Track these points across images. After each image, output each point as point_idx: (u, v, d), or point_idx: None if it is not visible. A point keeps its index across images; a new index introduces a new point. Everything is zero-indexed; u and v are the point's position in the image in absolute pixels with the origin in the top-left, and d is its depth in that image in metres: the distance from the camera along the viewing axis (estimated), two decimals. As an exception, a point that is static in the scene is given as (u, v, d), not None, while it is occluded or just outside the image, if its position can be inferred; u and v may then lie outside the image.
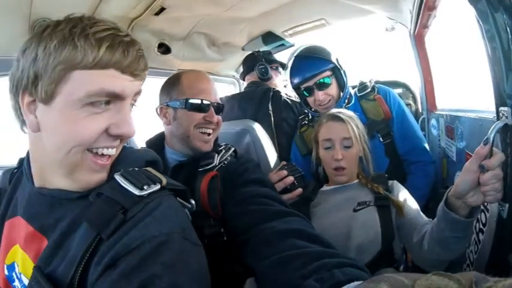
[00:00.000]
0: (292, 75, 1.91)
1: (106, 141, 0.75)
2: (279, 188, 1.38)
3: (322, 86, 1.85)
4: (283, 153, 2.06)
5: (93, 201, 0.74)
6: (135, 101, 0.82)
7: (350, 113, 1.62)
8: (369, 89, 1.97)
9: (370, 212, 1.43)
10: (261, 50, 2.63)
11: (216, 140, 1.47)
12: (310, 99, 1.92)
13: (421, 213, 1.41)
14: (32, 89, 0.71)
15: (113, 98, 0.73)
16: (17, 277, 0.81)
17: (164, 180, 0.79)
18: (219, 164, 1.31)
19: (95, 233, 0.69)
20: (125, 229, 0.68)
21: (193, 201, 0.88)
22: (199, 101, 1.36)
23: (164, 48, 2.28)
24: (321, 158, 1.60)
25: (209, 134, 1.38)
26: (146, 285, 0.61)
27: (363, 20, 2.37)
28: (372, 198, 1.46)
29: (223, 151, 1.37)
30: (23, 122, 0.79)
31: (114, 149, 0.79)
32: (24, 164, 0.89)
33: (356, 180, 1.58)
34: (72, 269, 0.68)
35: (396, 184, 1.54)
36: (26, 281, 0.78)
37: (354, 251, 1.36)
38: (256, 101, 2.20)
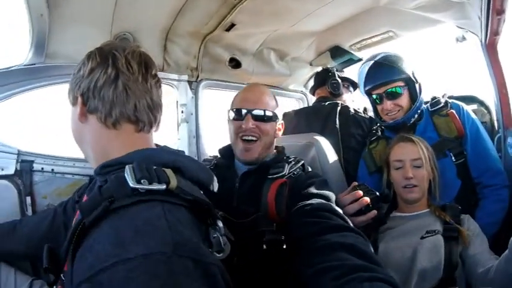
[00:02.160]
0: (365, 80, 1.84)
1: None
2: (353, 210, 1.29)
3: (392, 95, 1.76)
4: (349, 170, 1.98)
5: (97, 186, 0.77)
6: None
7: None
8: (442, 104, 1.83)
9: (437, 240, 1.40)
10: (330, 65, 2.60)
11: (283, 150, 1.51)
12: (379, 107, 1.85)
13: (490, 250, 1.38)
14: None
15: None
16: None
17: (173, 183, 0.70)
18: (288, 173, 1.32)
19: (80, 217, 0.67)
20: (100, 226, 0.64)
21: (221, 224, 0.75)
22: (235, 109, 1.42)
23: (235, 63, 2.36)
24: (391, 178, 1.61)
25: (250, 142, 1.39)
26: None
27: (431, 31, 2.24)
28: (441, 227, 1.44)
29: (293, 162, 1.38)
30: None
31: None
32: None
33: (427, 209, 1.55)
34: (65, 249, 0.68)
35: (469, 219, 1.49)
36: None
37: (417, 276, 1.35)
38: (324, 116, 2.15)
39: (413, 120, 1.79)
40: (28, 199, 1.63)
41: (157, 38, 1.95)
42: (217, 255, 0.69)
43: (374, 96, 1.83)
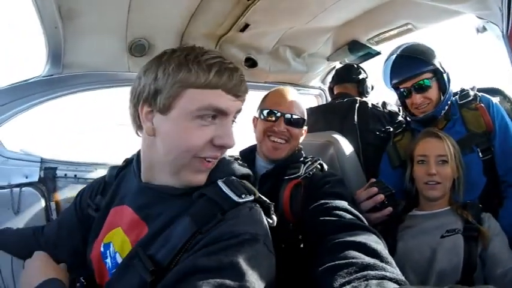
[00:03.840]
0: (391, 74, 1.72)
1: (210, 151, 0.86)
2: (368, 206, 1.27)
3: (420, 88, 1.64)
4: (369, 166, 1.89)
5: (195, 199, 0.85)
6: (235, 117, 0.92)
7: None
8: (471, 97, 1.71)
9: (457, 239, 1.35)
10: (348, 60, 2.49)
11: (300, 149, 1.49)
12: (408, 101, 1.72)
13: (510, 249, 1.34)
14: (152, 101, 0.84)
15: (219, 113, 0.84)
16: (110, 255, 0.92)
17: (257, 194, 0.87)
18: (304, 174, 1.33)
19: (196, 228, 0.78)
20: (218, 226, 0.77)
21: (275, 217, 0.90)
22: (268, 110, 1.43)
23: (251, 62, 2.28)
24: (414, 173, 1.54)
25: (278, 143, 1.41)
26: (221, 268, 0.67)
27: (451, 22, 2.06)
28: (461, 226, 1.38)
29: (310, 163, 1.37)
30: (138, 127, 0.92)
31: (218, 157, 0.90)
32: (133, 162, 1.02)
33: (448, 207, 1.48)
34: (171, 255, 0.77)
35: (489, 217, 1.43)
36: (119, 259, 0.89)
37: (435, 277, 1.31)
38: (342, 113, 2.07)
39: (443, 112, 1.68)
40: (53, 204, 1.67)
41: (172, 41, 1.90)
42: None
43: (401, 90, 1.71)
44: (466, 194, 1.52)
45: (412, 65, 1.64)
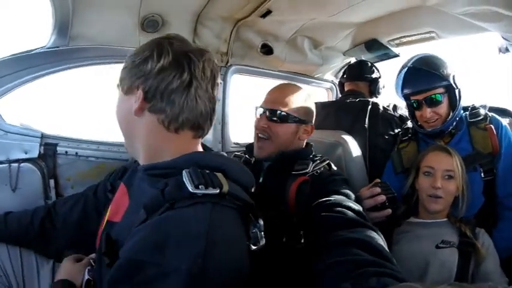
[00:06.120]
0: (404, 84, 1.66)
1: None
2: (369, 205, 1.25)
3: (432, 102, 1.59)
4: (375, 169, 1.86)
5: (159, 188, 0.76)
6: None
7: None
8: (481, 117, 1.65)
9: (451, 253, 1.34)
10: (364, 57, 2.37)
11: (310, 146, 1.47)
12: (417, 113, 1.67)
13: (502, 272, 1.35)
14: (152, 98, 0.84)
15: None
16: None
17: (225, 188, 0.75)
18: (311, 171, 1.30)
19: (145, 216, 0.73)
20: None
21: (261, 222, 0.83)
22: (257, 107, 1.42)
23: (267, 49, 2.14)
24: (418, 184, 1.51)
25: (263, 139, 1.38)
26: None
27: (474, 37, 2.04)
28: (457, 240, 1.37)
29: (318, 161, 1.35)
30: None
31: None
32: None
33: (445, 219, 1.48)
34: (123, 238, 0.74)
35: (483, 233, 1.44)
36: None
37: None
38: (353, 114, 2.00)
39: (451, 128, 1.64)
40: (52, 182, 1.57)
41: (187, 20, 1.75)
42: (253, 247, 0.78)
43: (412, 101, 1.65)
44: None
45: (426, 78, 1.58)
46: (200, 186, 0.72)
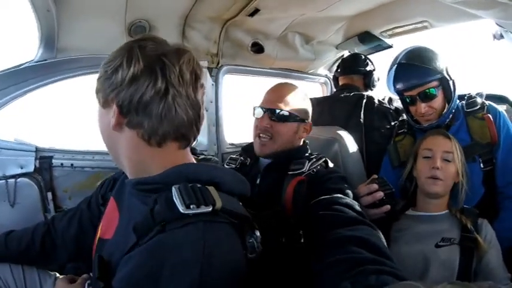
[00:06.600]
0: (395, 80, 1.61)
1: None
2: (367, 202, 1.23)
3: (426, 97, 1.54)
4: (371, 164, 1.83)
5: (148, 206, 0.71)
6: None
7: None
8: (478, 106, 1.61)
9: (452, 251, 1.28)
10: (357, 50, 2.34)
11: (305, 145, 1.44)
12: (412, 108, 1.63)
13: (504, 266, 1.29)
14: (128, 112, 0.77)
15: None
16: None
17: (218, 204, 0.69)
18: (308, 171, 1.27)
19: (136, 239, 0.69)
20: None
21: (258, 233, 0.80)
22: (256, 108, 1.39)
23: (258, 47, 2.12)
24: (417, 171, 1.45)
25: (264, 139, 1.36)
26: None
27: (468, 25, 1.99)
28: (458, 235, 1.30)
29: (314, 159, 1.31)
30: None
31: None
32: None
33: (445, 211, 1.40)
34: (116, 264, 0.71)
35: (486, 225, 1.36)
36: None
37: None
38: (349, 108, 1.97)
39: (447, 121, 1.59)
40: (49, 195, 1.58)
41: (175, 24, 1.73)
42: (250, 255, 0.75)
43: (405, 97, 1.61)
44: (463, 202, 1.46)
45: (418, 73, 1.53)
46: (192, 206, 0.67)
